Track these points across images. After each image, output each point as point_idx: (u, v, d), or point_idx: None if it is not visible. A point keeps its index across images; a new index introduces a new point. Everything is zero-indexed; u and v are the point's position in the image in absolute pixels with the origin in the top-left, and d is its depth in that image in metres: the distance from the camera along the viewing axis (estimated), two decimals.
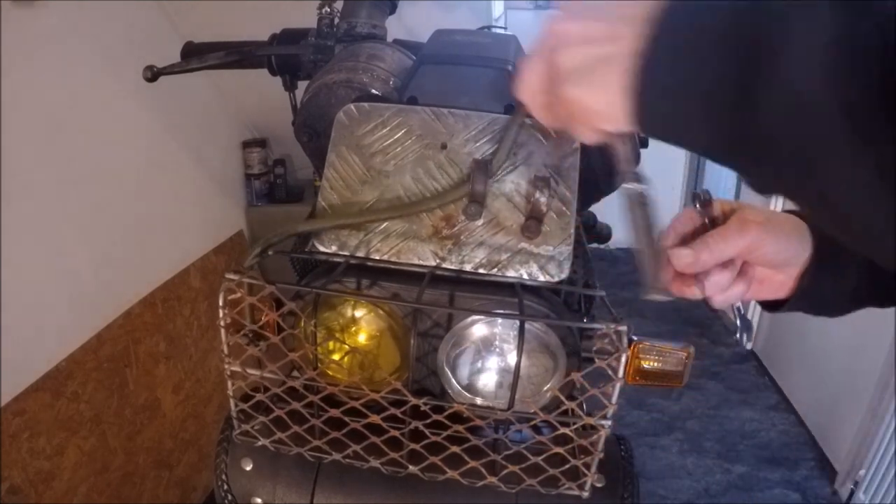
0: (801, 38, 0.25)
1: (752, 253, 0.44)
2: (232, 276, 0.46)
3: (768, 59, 0.25)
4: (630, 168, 0.40)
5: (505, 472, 0.48)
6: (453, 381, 0.51)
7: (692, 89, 0.29)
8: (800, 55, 0.25)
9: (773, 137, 0.26)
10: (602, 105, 0.34)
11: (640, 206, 0.39)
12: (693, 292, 0.44)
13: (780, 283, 0.47)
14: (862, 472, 1.60)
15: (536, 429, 0.51)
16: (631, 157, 0.40)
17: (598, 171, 0.57)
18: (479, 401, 0.51)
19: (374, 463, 0.49)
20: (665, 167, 2.80)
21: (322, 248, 0.51)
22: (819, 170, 0.26)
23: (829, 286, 0.45)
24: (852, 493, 1.65)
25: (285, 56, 0.84)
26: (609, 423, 0.46)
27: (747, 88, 0.26)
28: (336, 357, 0.53)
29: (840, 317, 0.49)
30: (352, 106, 0.52)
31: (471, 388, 0.52)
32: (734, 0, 0.28)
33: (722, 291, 0.45)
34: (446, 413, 0.47)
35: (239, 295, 0.47)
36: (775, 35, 0.25)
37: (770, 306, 0.50)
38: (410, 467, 0.50)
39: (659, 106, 0.31)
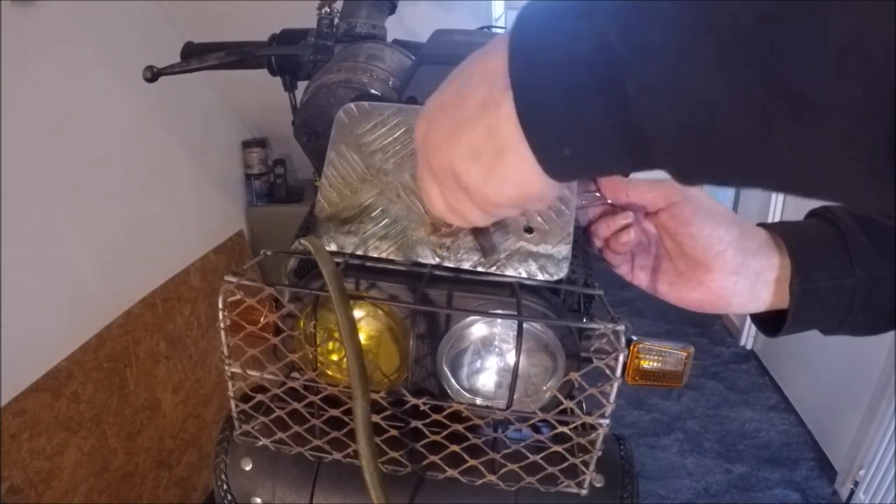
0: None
1: (671, 209, 0.45)
2: (231, 279, 0.46)
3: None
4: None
5: (504, 470, 0.48)
6: (452, 380, 0.51)
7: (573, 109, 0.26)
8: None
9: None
10: (514, 176, 0.30)
11: None
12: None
13: (712, 287, 0.45)
14: (862, 472, 1.60)
15: (535, 428, 0.51)
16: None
17: None
18: (478, 400, 0.51)
19: None
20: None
21: None
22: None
23: (825, 288, 0.43)
24: (852, 493, 1.65)
25: (285, 56, 0.84)
26: (607, 421, 0.46)
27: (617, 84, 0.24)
28: (335, 358, 0.53)
29: (854, 334, 0.46)
30: (352, 105, 0.52)
31: (470, 387, 0.52)
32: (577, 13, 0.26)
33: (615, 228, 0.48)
34: (445, 412, 0.47)
35: (238, 296, 0.47)
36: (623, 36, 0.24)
37: (769, 329, 0.48)
38: (410, 466, 0.50)
39: (555, 131, 0.28)
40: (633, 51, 0.24)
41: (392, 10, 0.86)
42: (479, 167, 0.31)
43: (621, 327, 0.44)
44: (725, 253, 0.44)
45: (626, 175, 0.43)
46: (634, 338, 0.53)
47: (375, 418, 0.47)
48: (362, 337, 0.52)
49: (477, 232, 0.47)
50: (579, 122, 0.26)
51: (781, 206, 2.16)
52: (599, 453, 0.47)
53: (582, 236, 0.52)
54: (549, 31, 0.26)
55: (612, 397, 0.45)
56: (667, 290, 0.48)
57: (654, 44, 0.23)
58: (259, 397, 0.51)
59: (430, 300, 0.50)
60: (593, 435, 0.47)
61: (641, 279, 0.50)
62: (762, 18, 0.20)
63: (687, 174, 0.26)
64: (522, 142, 0.28)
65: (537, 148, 0.28)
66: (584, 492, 0.49)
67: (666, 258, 0.48)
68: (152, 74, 0.87)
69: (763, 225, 0.46)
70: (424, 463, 0.50)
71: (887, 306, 0.43)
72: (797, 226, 0.46)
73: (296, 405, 0.50)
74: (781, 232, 0.45)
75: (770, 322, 0.47)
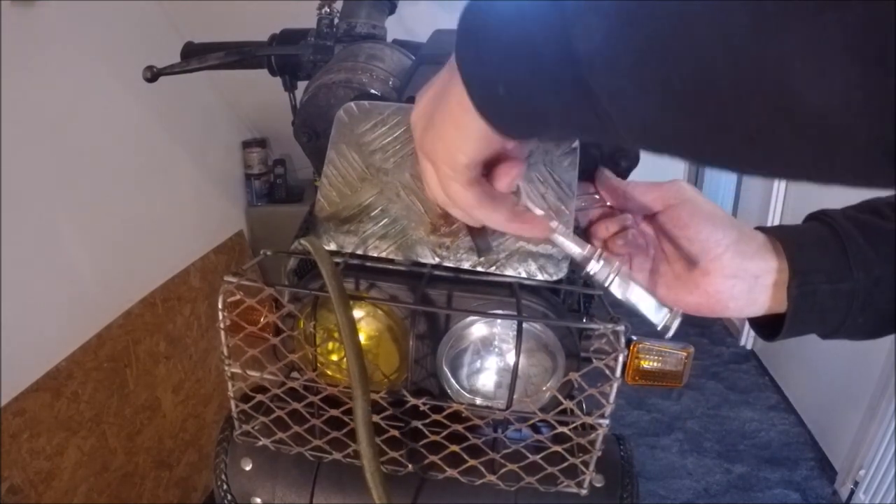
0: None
1: (669, 212, 0.45)
2: (231, 279, 0.46)
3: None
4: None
5: (504, 470, 0.48)
6: (452, 380, 0.51)
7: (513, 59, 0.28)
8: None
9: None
10: (460, 132, 0.33)
11: None
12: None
13: (709, 290, 0.45)
14: (862, 472, 1.60)
15: (535, 428, 0.51)
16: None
17: (598, 161, 0.56)
18: (478, 400, 0.51)
19: None
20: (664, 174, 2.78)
21: None
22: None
23: (824, 291, 0.43)
24: (852, 493, 1.65)
25: (285, 56, 0.84)
26: (607, 422, 0.46)
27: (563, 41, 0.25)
28: (335, 358, 0.53)
29: (853, 338, 0.46)
30: (352, 104, 0.52)
31: (470, 387, 0.52)
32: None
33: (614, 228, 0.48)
34: (445, 413, 0.47)
35: (238, 297, 0.47)
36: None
37: (767, 333, 0.48)
38: (410, 466, 0.50)
39: (495, 92, 0.29)
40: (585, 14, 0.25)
41: (392, 10, 0.86)
42: (441, 134, 0.34)
43: (621, 327, 0.45)
44: (723, 256, 0.44)
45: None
46: (634, 338, 0.53)
47: (375, 418, 0.47)
48: (362, 337, 0.52)
49: (473, 231, 0.47)
50: (517, 63, 0.28)
51: (781, 208, 2.16)
52: (599, 453, 0.47)
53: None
54: None
55: (612, 397, 0.45)
56: (664, 292, 0.48)
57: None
58: (259, 397, 0.51)
59: (430, 300, 0.50)
60: (593, 435, 0.47)
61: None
62: (758, 19, 0.20)
63: (633, 120, 0.26)
64: (465, 95, 0.31)
65: (474, 94, 0.30)
66: (583, 492, 0.49)
67: (664, 261, 0.48)
68: (152, 74, 0.87)
69: (761, 228, 0.46)
70: (425, 463, 0.50)
71: (886, 309, 0.43)
72: (795, 229, 0.46)
73: (296, 405, 0.50)
74: (779, 235, 0.45)
75: (768, 326, 0.47)
